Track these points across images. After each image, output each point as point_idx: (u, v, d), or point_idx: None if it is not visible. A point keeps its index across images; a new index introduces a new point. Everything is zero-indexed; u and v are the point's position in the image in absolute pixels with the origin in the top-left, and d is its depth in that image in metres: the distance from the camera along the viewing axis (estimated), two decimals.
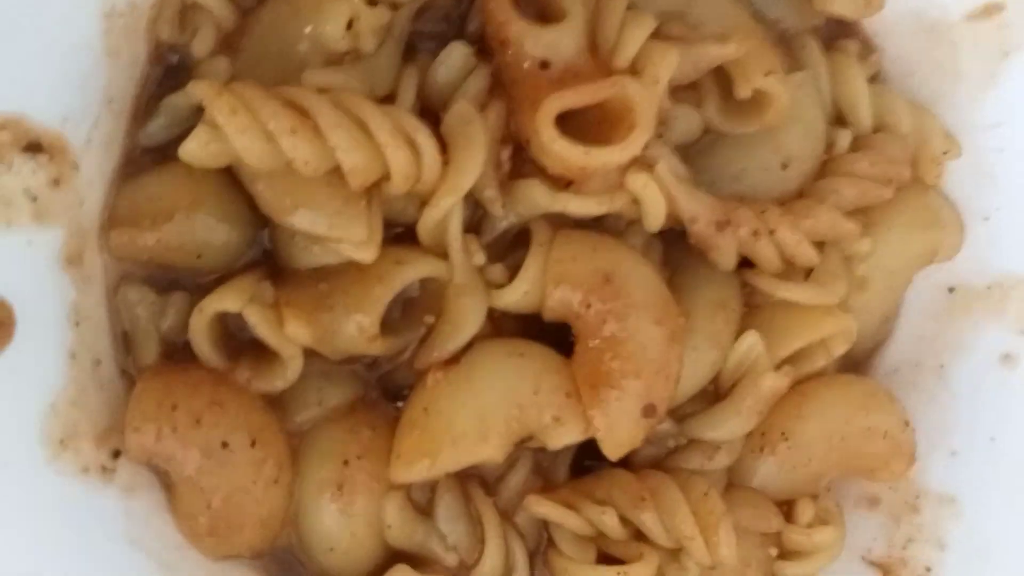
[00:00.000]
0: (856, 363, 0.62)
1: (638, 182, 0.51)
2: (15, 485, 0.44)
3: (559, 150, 0.48)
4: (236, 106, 0.44)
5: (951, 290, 0.61)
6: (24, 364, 0.44)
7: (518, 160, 0.52)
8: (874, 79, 0.61)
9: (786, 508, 0.57)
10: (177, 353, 0.50)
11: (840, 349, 0.57)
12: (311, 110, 0.45)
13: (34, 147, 0.43)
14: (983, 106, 0.59)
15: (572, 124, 0.49)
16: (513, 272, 0.53)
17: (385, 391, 0.55)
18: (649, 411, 0.51)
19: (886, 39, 0.61)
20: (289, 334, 0.48)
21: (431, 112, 0.51)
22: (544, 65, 0.49)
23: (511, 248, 0.54)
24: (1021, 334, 0.59)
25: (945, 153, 0.59)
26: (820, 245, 0.57)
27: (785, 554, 0.57)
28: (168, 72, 0.50)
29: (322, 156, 0.45)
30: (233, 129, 0.44)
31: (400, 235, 0.52)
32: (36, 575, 0.44)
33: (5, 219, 0.43)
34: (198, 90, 0.44)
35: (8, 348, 0.43)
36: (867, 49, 0.61)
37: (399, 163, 0.46)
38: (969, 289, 0.61)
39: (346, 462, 0.51)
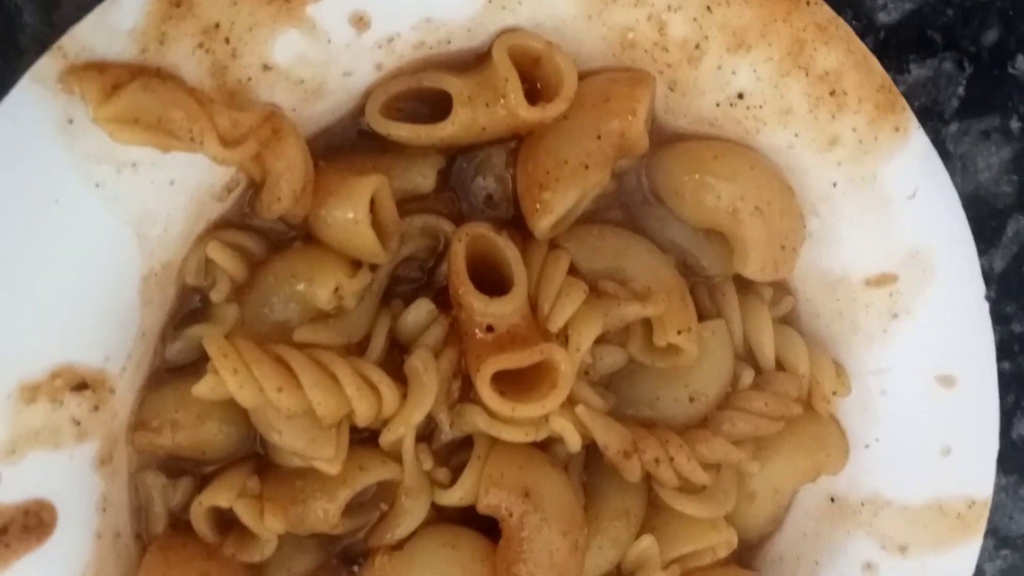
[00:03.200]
0: (748, 547, 0.72)
1: (558, 424, 0.62)
2: None
3: (492, 404, 0.60)
4: (238, 367, 0.56)
5: (832, 500, 0.71)
6: (61, 548, 0.56)
7: (466, 386, 0.63)
8: (786, 318, 0.70)
9: None
10: (181, 524, 0.62)
11: (723, 554, 0.67)
12: (296, 369, 0.57)
13: (81, 386, 0.56)
14: (873, 354, 0.69)
15: (510, 372, 0.61)
16: (456, 473, 0.63)
17: (343, 557, 0.65)
18: None
19: (799, 285, 0.70)
20: (267, 524, 0.61)
21: (400, 346, 0.63)
22: (489, 328, 0.60)
23: (457, 448, 0.65)
24: (882, 549, 0.69)
25: (835, 393, 0.69)
26: (717, 465, 0.67)
27: None
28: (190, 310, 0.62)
29: (301, 403, 0.57)
30: (234, 385, 0.56)
31: (366, 439, 0.63)
32: None
33: (53, 444, 0.55)
34: (210, 349, 0.57)
35: (49, 539, 0.56)
36: (782, 291, 0.70)
37: (362, 409, 0.58)
38: (847, 502, 0.70)
39: None
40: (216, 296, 0.60)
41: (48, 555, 0.56)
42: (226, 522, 0.63)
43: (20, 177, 0.53)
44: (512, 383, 0.61)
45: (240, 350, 0.57)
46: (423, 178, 0.62)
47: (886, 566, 0.69)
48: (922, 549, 0.69)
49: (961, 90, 0.79)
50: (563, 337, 0.62)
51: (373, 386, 0.59)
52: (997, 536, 0.84)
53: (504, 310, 0.61)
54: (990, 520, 0.70)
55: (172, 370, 0.62)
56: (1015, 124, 0.80)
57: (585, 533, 0.64)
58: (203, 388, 0.57)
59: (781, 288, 0.71)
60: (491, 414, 0.63)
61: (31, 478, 0.55)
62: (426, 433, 0.64)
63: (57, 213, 0.54)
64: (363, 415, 0.58)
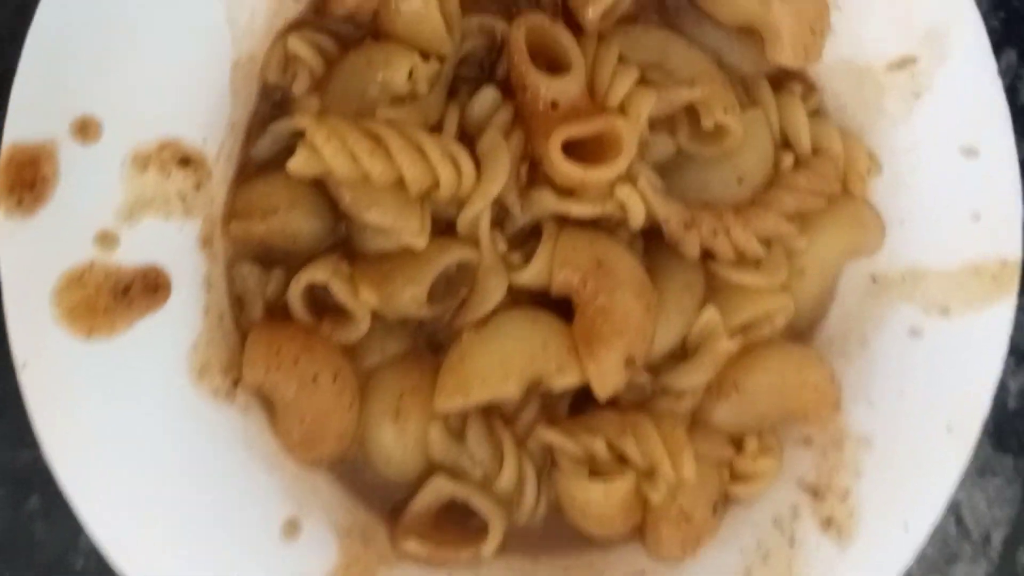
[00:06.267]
0: (799, 334, 0.74)
1: (623, 192, 0.65)
2: (171, 401, 0.60)
3: (564, 170, 0.63)
4: (330, 134, 0.60)
5: (874, 278, 0.74)
6: (177, 315, 0.60)
7: (533, 173, 0.66)
8: (815, 112, 0.73)
9: (736, 442, 0.69)
10: (276, 314, 0.65)
11: (780, 321, 0.70)
12: (383, 137, 0.61)
13: (185, 161, 0.60)
14: (900, 134, 0.72)
15: (575, 147, 0.64)
16: (528, 258, 0.66)
17: (429, 345, 0.68)
18: (630, 362, 0.65)
19: (825, 80, 0.73)
20: (361, 299, 0.63)
21: (468, 137, 0.66)
22: (554, 105, 0.64)
23: (527, 239, 0.68)
24: (925, 313, 0.72)
25: (868, 171, 0.72)
26: (768, 242, 0.70)
27: (735, 478, 0.69)
28: (272, 105, 0.67)
29: (391, 170, 0.61)
30: (328, 151, 0.60)
31: (443, 229, 0.66)
32: (180, 468, 0.61)
33: (165, 213, 0.59)
34: (303, 121, 0.60)
35: (167, 304, 0.60)
36: (810, 88, 0.74)
37: (446, 176, 0.62)
38: (887, 278, 0.73)
39: (401, 395, 0.65)
40: (298, 88, 0.64)
41: (166, 319, 0.60)
42: (320, 309, 0.66)
43: None
44: (577, 158, 0.65)
45: (332, 122, 0.61)
46: None
47: (930, 328, 0.72)
48: (962, 309, 0.72)
49: None
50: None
51: (453, 157, 0.63)
52: (1018, 352, 0.88)
53: (567, 86, 0.65)
54: (1012, 339, 0.74)
55: (259, 167, 0.66)
56: None
57: (655, 297, 0.67)
58: (298, 161, 0.61)
59: (808, 86, 0.75)
60: (559, 192, 0.67)
61: (147, 244, 0.59)
62: (497, 221, 0.68)
63: None
64: (447, 182, 0.62)
